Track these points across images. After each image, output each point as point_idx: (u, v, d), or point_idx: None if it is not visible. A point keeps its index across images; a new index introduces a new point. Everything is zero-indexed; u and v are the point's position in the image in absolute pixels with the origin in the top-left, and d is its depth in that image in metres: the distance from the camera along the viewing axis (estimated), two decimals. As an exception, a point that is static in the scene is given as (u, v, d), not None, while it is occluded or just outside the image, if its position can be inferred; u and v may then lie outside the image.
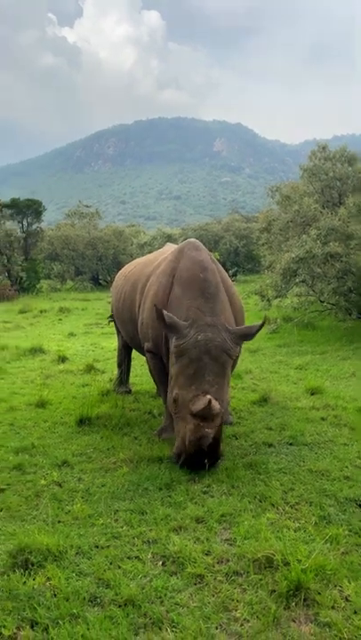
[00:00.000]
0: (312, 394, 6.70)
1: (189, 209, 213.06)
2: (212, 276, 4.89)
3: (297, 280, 12.24)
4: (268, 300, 12.89)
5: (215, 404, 4.18)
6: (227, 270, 24.94)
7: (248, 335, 4.72)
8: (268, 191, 14.48)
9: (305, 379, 7.51)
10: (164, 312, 4.54)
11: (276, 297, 12.67)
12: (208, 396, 4.19)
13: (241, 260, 31.44)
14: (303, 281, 12.31)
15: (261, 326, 4.77)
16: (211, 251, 26.34)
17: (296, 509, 3.72)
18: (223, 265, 31.83)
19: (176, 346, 4.52)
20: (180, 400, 4.39)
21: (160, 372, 5.32)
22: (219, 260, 27.52)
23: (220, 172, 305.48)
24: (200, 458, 4.24)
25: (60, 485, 4.16)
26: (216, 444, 4.27)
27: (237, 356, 5.25)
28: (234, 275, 31.52)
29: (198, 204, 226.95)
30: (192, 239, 5.53)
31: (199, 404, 4.19)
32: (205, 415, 4.17)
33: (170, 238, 25.54)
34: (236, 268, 31.96)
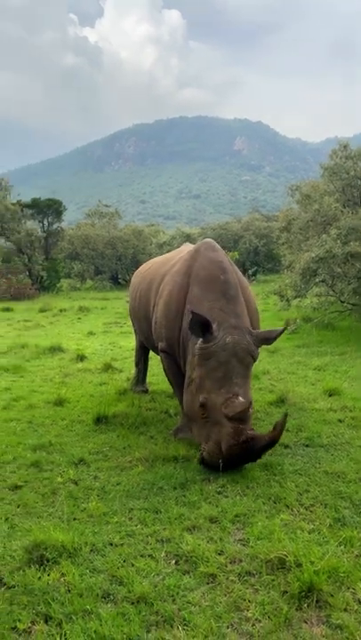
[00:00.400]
0: (330, 395, 6.65)
1: (209, 208, 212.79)
2: (232, 278, 4.91)
3: (317, 280, 12.15)
4: (288, 300, 12.81)
5: (247, 406, 4.21)
6: (246, 270, 24.92)
7: (269, 339, 4.72)
8: (288, 190, 14.39)
9: (323, 380, 7.45)
10: (200, 313, 4.48)
11: (296, 297, 12.57)
12: (242, 399, 4.22)
13: (261, 260, 31.32)
14: (323, 281, 12.21)
15: (282, 332, 4.80)
16: (230, 250, 26.16)
17: (311, 511, 3.70)
18: (242, 265, 31.75)
19: (203, 348, 4.49)
20: (209, 404, 4.34)
21: (175, 373, 5.34)
22: (237, 260, 27.33)
23: (241, 171, 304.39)
24: (244, 458, 4.24)
25: (76, 483, 4.21)
26: (259, 442, 4.22)
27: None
28: (254, 274, 31.42)
29: (218, 203, 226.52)
30: (208, 239, 5.53)
31: (236, 407, 4.16)
32: (242, 417, 4.17)
33: (189, 238, 25.55)
34: (255, 268, 31.86)
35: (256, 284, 27.71)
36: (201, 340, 4.52)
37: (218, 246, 5.33)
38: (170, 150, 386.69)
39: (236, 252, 26.23)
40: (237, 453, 4.17)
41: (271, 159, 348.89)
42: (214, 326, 4.49)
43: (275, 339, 4.75)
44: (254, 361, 4.63)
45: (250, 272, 30.92)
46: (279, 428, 4.20)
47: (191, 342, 4.71)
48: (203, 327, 4.48)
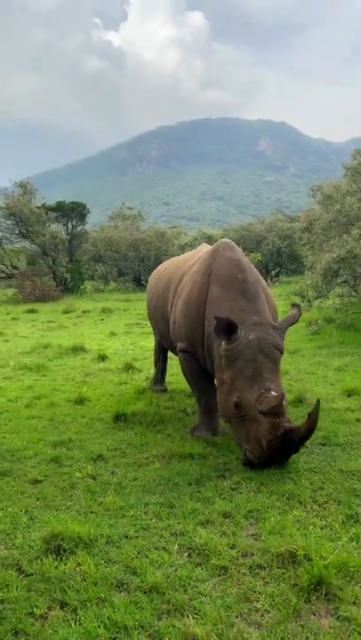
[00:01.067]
0: (349, 395, 6.64)
1: (233, 209, 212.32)
2: (250, 277, 4.96)
3: (338, 280, 12.08)
4: (309, 300, 12.76)
5: (282, 399, 4.27)
6: (269, 272, 24.82)
7: (286, 328, 4.79)
8: (310, 191, 14.34)
9: (343, 380, 7.42)
10: (222, 317, 4.50)
11: (317, 297, 12.53)
12: (274, 393, 4.26)
13: (284, 261, 31.17)
14: (345, 281, 12.14)
15: (299, 314, 4.93)
16: (253, 251, 26.11)
17: (324, 508, 3.73)
18: (265, 266, 31.68)
19: (227, 350, 4.51)
20: (243, 403, 4.35)
21: (193, 373, 5.40)
22: (260, 262, 27.20)
23: (264, 172, 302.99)
24: (285, 451, 4.34)
25: (93, 478, 4.31)
26: (299, 433, 4.31)
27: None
28: (276, 275, 31.26)
29: (242, 204, 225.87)
30: (226, 239, 5.58)
31: (271, 402, 4.20)
32: (278, 411, 4.22)
33: (211, 239, 25.59)
34: (278, 269, 31.68)
35: (279, 285, 27.59)
36: (225, 342, 4.54)
37: (236, 246, 5.38)
38: (193, 152, 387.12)
39: (258, 254, 26.20)
40: (278, 447, 4.24)
41: (295, 160, 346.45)
42: (238, 327, 4.53)
43: (297, 319, 4.90)
44: (281, 354, 4.66)
45: (273, 273, 30.82)
46: (313, 417, 4.28)
47: (216, 344, 4.75)
48: (228, 330, 4.50)
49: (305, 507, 3.75)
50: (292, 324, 4.86)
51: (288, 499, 3.87)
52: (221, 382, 4.69)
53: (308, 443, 4.98)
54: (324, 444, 4.98)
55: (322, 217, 13.75)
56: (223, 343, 4.56)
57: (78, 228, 27.25)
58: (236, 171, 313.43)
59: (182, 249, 28.15)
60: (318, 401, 4.42)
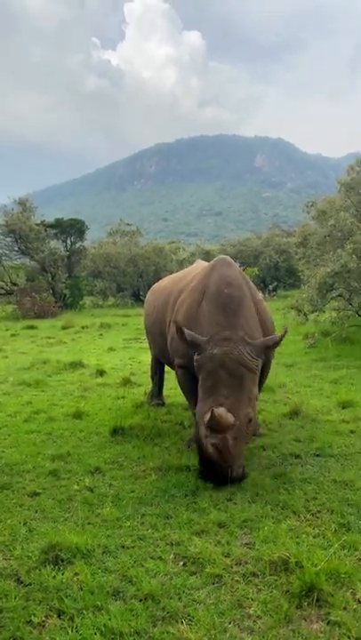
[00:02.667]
0: (343, 407, 6.72)
1: (231, 225, 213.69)
2: (236, 291, 4.96)
3: (334, 294, 12.22)
4: (305, 314, 12.89)
5: (226, 417, 4.20)
6: (266, 286, 24.88)
7: (269, 346, 4.74)
8: (304, 207, 14.54)
9: (338, 392, 7.51)
10: (184, 329, 4.70)
11: (313, 311, 12.65)
12: (222, 409, 4.23)
13: (282, 275, 31.39)
14: (340, 295, 12.28)
15: (283, 336, 4.79)
16: (250, 266, 26.16)
17: (317, 517, 3.81)
18: (263, 280, 31.78)
19: (195, 361, 4.65)
20: (198, 414, 4.49)
21: (190, 388, 5.40)
22: (257, 276, 27.22)
23: (262, 188, 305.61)
24: (213, 470, 4.30)
25: (91, 490, 4.38)
26: (228, 456, 4.25)
27: (265, 369, 5.34)
28: (274, 290, 31.45)
29: (239, 220, 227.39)
30: (223, 256, 5.65)
31: (211, 417, 4.23)
32: (213, 427, 4.20)
33: (209, 254, 25.81)
34: (276, 283, 31.89)
35: (277, 299, 27.73)
36: (196, 353, 4.66)
37: (233, 262, 5.44)
38: (191, 169, 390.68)
39: (255, 268, 26.38)
40: (207, 464, 4.31)
41: (292, 175, 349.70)
42: (206, 339, 4.61)
43: (276, 344, 4.77)
44: (252, 371, 4.57)
45: (270, 287, 30.98)
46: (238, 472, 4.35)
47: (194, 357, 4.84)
48: (190, 343, 4.65)
49: (298, 516, 3.82)
50: (271, 345, 4.76)
51: (282, 508, 3.94)
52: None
53: (302, 454, 5.09)
54: (318, 455, 5.05)
55: (317, 232, 13.95)
56: (195, 354, 4.67)
57: (77, 245, 27.44)
58: (234, 187, 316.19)
59: (180, 264, 28.36)
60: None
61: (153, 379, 7.39)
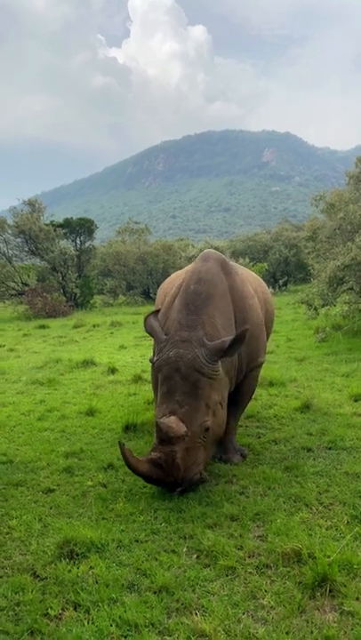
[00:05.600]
0: (355, 400, 6.71)
1: (240, 220, 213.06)
2: (204, 288, 4.52)
3: (344, 288, 12.16)
4: (316, 308, 12.85)
5: (176, 428, 3.90)
6: (276, 280, 24.63)
7: (221, 350, 4.16)
8: (313, 200, 14.48)
9: (350, 386, 7.49)
10: (147, 321, 4.48)
11: (324, 305, 12.61)
12: (166, 418, 3.97)
13: (291, 270, 31.27)
14: (351, 288, 12.22)
15: (239, 338, 4.17)
16: (260, 261, 25.91)
17: (329, 509, 3.82)
18: (273, 275, 31.53)
19: (153, 363, 4.38)
20: (153, 419, 4.28)
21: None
22: (267, 271, 26.79)
23: (270, 182, 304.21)
24: (155, 481, 4.05)
25: (104, 486, 4.43)
26: (175, 470, 3.95)
27: (251, 381, 5.06)
28: (284, 284, 31.36)
29: (248, 215, 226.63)
30: (209, 249, 5.23)
31: (158, 426, 3.96)
32: (161, 437, 3.93)
33: (217, 250, 25.76)
34: (286, 278, 31.80)
35: (287, 293, 27.64)
36: (153, 353, 4.39)
37: (213, 256, 4.94)
38: (198, 165, 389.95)
39: (265, 264, 26.32)
40: (154, 473, 4.01)
41: (301, 169, 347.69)
42: (164, 339, 4.33)
43: (230, 347, 4.17)
44: (208, 377, 4.13)
45: (280, 282, 30.88)
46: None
47: None
48: (152, 337, 4.41)
49: (311, 508, 3.84)
50: (222, 348, 4.16)
51: (294, 501, 3.96)
52: None
53: (314, 447, 5.09)
54: (330, 448, 5.06)
55: (326, 225, 13.88)
56: (153, 355, 4.42)
57: (87, 244, 27.56)
58: (242, 182, 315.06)
59: (189, 261, 28.34)
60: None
61: None
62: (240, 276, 5.02)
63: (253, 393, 5.44)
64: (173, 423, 3.92)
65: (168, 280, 6.38)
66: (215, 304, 4.48)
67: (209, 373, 4.14)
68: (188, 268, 5.23)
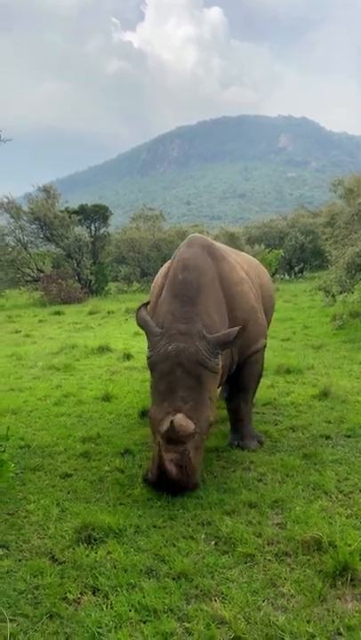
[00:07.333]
0: (374, 388, 6.62)
1: (255, 207, 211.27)
2: (192, 276, 4.25)
3: (363, 274, 11.98)
4: (333, 295, 12.69)
5: (185, 425, 3.74)
6: (292, 267, 24.37)
7: (225, 342, 4.04)
8: (331, 185, 14.24)
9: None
10: (139, 314, 4.22)
11: (341, 292, 12.44)
12: (174, 416, 3.75)
13: (307, 256, 30.96)
14: (369, 275, 12.03)
15: (241, 330, 4.06)
16: (276, 248, 25.59)
17: (349, 497, 3.77)
18: (289, 262, 31.22)
19: (148, 358, 4.12)
20: (152, 419, 3.96)
21: None
22: (283, 258, 26.45)
23: (286, 168, 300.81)
24: (166, 484, 3.82)
25: (122, 471, 4.42)
26: (185, 472, 3.79)
27: (255, 365, 4.90)
28: (300, 271, 31.07)
29: (264, 202, 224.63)
30: (194, 234, 4.86)
31: (164, 425, 3.76)
32: (171, 437, 3.73)
33: (233, 237, 25.57)
34: (302, 265, 31.50)
35: (303, 280, 27.40)
36: (147, 348, 4.13)
37: (198, 241, 4.63)
38: (214, 151, 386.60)
39: (281, 250, 26.05)
40: (161, 475, 3.80)
41: (317, 155, 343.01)
42: (159, 332, 4.06)
43: (236, 338, 4.04)
44: (212, 371, 3.99)
45: (296, 269, 30.59)
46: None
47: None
48: (144, 329, 4.14)
49: (330, 497, 3.80)
50: (227, 340, 4.03)
51: (313, 489, 3.92)
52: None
53: (333, 435, 5.03)
54: (349, 436, 5.00)
55: (344, 211, 13.66)
56: (147, 349, 4.14)
57: (101, 231, 27.50)
58: (258, 168, 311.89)
59: (205, 248, 28.16)
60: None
61: None
62: (228, 260, 4.72)
63: (260, 377, 5.27)
64: (183, 421, 3.75)
65: (159, 272, 5.87)
66: (207, 293, 4.26)
67: (212, 367, 3.98)
68: (174, 255, 4.82)
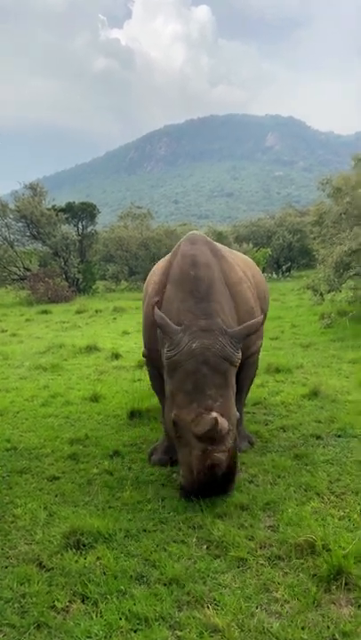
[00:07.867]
0: (364, 387, 6.60)
1: (243, 206, 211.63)
2: (204, 273, 4.23)
3: (350, 273, 12.01)
4: (321, 294, 12.70)
5: (223, 422, 3.61)
6: (280, 266, 24.43)
7: (245, 335, 4.06)
8: (319, 184, 14.25)
9: (357, 372, 7.39)
10: (156, 311, 4.07)
11: (329, 291, 12.46)
12: (213, 414, 3.61)
13: (295, 255, 31.04)
14: (357, 274, 12.06)
15: (261, 321, 4.25)
16: (263, 246, 25.70)
17: (341, 499, 3.73)
18: (276, 261, 31.35)
19: (168, 357, 3.92)
20: (180, 422, 3.74)
21: (155, 383, 4.86)
22: (270, 256, 26.64)
23: (273, 167, 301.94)
24: (213, 487, 3.73)
25: (111, 474, 4.34)
26: (230, 469, 3.74)
27: (252, 367, 4.92)
28: (288, 270, 31.14)
29: (251, 200, 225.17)
30: (193, 232, 4.88)
31: (204, 425, 3.59)
32: (213, 437, 3.59)
33: (221, 236, 25.55)
34: (290, 263, 31.56)
35: (290, 279, 27.48)
36: (166, 348, 3.95)
37: (200, 238, 4.63)
38: (201, 150, 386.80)
39: (269, 249, 26.09)
40: (206, 481, 3.67)
41: (304, 154, 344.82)
42: (179, 329, 3.93)
43: (257, 329, 4.18)
44: (235, 365, 3.98)
45: (283, 268, 30.65)
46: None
47: (162, 350, 4.08)
48: (161, 329, 4.00)
49: (322, 498, 3.75)
50: (249, 333, 4.10)
51: (305, 490, 3.87)
52: (167, 394, 4.07)
53: (323, 435, 5.00)
54: (339, 436, 4.97)
55: (332, 210, 13.66)
56: (165, 348, 3.98)
57: (89, 229, 27.32)
58: (245, 167, 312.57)
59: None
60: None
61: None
62: (228, 259, 4.70)
63: (254, 377, 5.28)
64: (221, 419, 3.61)
65: (150, 273, 5.75)
66: (218, 289, 4.24)
67: (236, 361, 3.94)
68: (174, 252, 4.73)
